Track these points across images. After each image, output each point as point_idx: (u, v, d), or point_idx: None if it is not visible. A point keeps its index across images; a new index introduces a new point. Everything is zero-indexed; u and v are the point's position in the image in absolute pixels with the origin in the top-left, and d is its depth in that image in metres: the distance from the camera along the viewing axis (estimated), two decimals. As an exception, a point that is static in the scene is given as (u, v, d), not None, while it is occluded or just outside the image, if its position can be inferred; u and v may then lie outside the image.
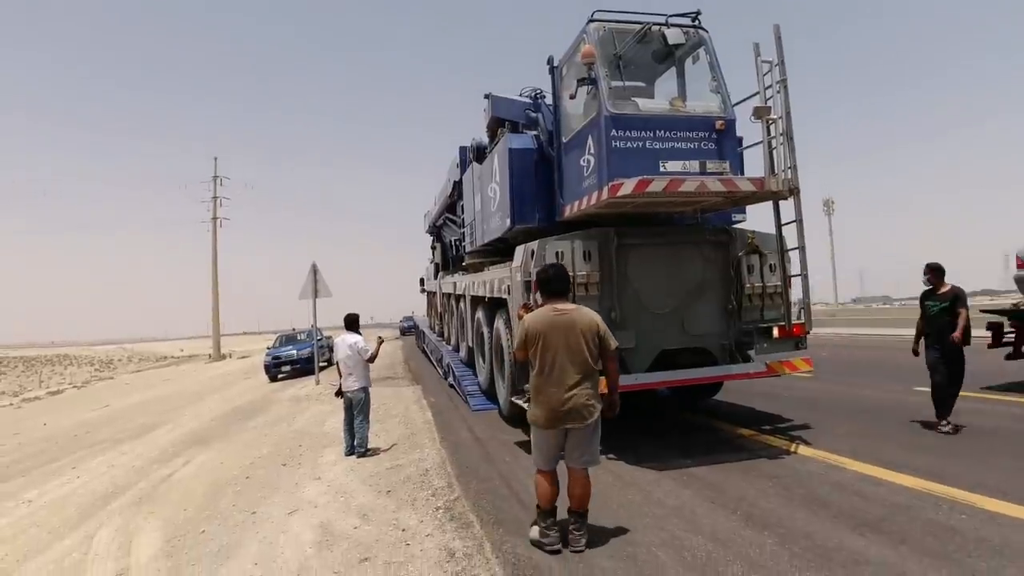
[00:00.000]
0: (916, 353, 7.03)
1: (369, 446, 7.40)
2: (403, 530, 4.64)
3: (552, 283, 4.18)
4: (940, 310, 6.62)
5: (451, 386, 12.13)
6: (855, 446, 6.03)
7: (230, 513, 5.68)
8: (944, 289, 6.67)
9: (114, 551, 5.21)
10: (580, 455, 4.01)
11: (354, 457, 7.19)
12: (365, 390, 7.45)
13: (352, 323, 7.80)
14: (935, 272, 6.73)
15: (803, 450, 6.11)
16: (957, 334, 6.34)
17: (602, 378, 4.13)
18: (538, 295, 6.03)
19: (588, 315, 4.05)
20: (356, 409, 7.37)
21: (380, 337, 8.50)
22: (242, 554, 4.59)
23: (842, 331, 22.30)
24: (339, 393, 7.56)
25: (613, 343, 4.08)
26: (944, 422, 6.48)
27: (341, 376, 7.48)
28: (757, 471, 5.47)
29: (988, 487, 4.59)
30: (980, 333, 8.19)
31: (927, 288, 6.80)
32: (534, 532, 4.08)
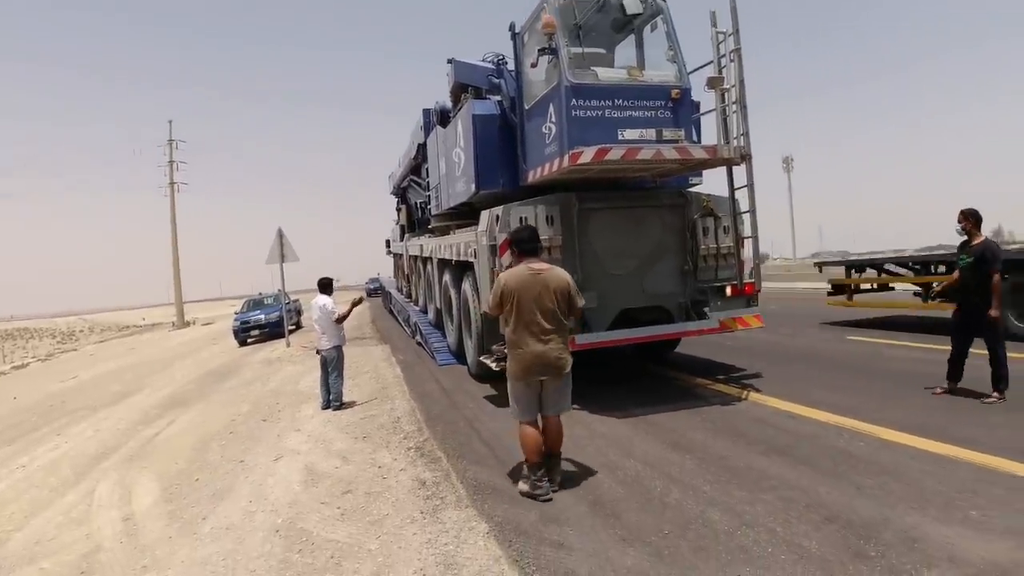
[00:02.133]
0: (929, 299, 6.98)
1: (344, 400, 7.88)
2: (379, 467, 5.22)
3: (525, 242, 4.38)
4: (967, 265, 5.78)
5: (419, 344, 12.54)
6: (784, 389, 6.62)
7: (219, 463, 6.08)
8: (976, 241, 5.77)
9: (116, 501, 5.53)
10: (554, 404, 4.32)
11: (330, 410, 7.64)
12: (338, 348, 7.90)
13: (325, 287, 8.22)
14: (968, 218, 5.82)
15: (731, 390, 6.81)
16: (994, 312, 5.46)
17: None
18: (504, 258, 6.36)
19: (560, 274, 4.30)
20: (330, 366, 7.81)
21: (360, 297, 8.83)
22: (236, 495, 5.02)
23: (798, 285, 23.10)
24: (318, 351, 8.02)
25: (580, 302, 4.43)
26: (945, 386, 5.98)
27: (318, 335, 7.99)
28: (690, 412, 6.07)
29: (890, 420, 5.18)
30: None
31: (962, 239, 5.91)
32: (523, 486, 4.24)
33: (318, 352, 8.05)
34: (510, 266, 5.58)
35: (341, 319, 7.90)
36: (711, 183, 8.04)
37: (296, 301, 24.19)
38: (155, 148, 40.91)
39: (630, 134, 6.14)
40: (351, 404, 7.86)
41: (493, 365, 6.85)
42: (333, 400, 7.73)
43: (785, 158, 56.85)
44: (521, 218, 6.34)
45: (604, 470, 4.62)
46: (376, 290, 34.86)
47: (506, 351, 4.39)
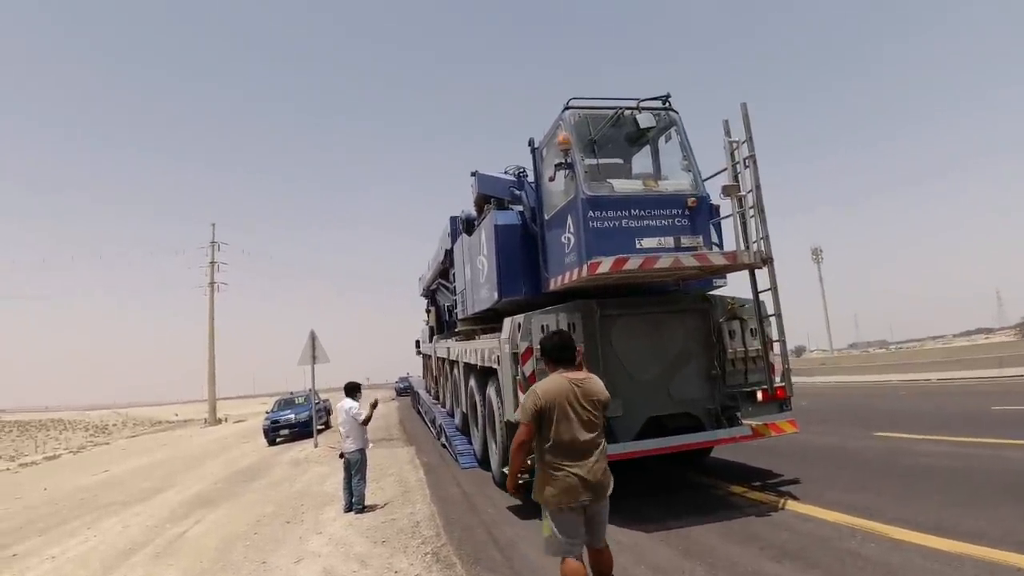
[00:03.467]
0: None
1: (366, 503, 8.02)
2: (396, 572, 5.35)
3: (558, 350, 3.94)
4: None
5: (443, 445, 12.59)
6: (801, 488, 6.65)
7: (242, 563, 6.28)
8: None
9: None
10: (603, 531, 3.80)
11: (352, 513, 7.77)
12: (362, 451, 8.12)
13: (351, 390, 8.54)
14: None
15: (756, 495, 6.66)
16: None
17: None
18: (527, 366, 6.33)
19: (600, 383, 3.89)
20: (354, 469, 8.01)
21: (375, 400, 8.85)
22: None
23: (829, 379, 22.56)
24: (341, 455, 8.21)
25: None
26: None
27: (344, 439, 8.16)
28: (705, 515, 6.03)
29: (904, 519, 5.20)
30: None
31: None
32: None
33: (341, 455, 8.22)
34: (533, 374, 5.62)
35: (366, 422, 8.15)
36: (736, 284, 8.02)
37: (326, 401, 24.32)
38: (196, 249, 42.56)
39: (648, 243, 6.22)
40: (373, 507, 7.99)
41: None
42: (356, 503, 7.87)
43: (814, 249, 55.82)
44: (543, 326, 6.37)
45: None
46: (406, 389, 34.86)
47: (536, 472, 3.78)
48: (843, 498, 6.11)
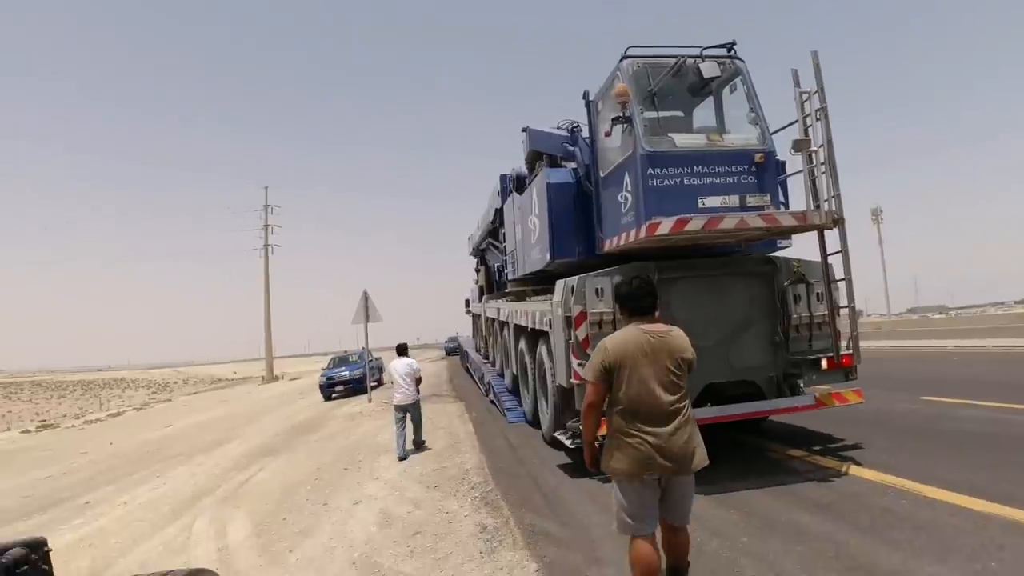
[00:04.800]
0: None
1: (419, 442, 9.13)
2: (447, 513, 5.74)
3: (637, 299, 3.40)
4: None
5: (492, 402, 12.83)
6: (845, 450, 6.58)
7: (304, 505, 6.76)
8: None
9: (212, 535, 6.19)
10: (686, 508, 3.33)
11: (406, 461, 8.39)
12: (418, 402, 9.14)
13: (403, 350, 9.61)
14: None
15: (796, 452, 6.73)
16: None
17: None
18: (580, 331, 6.14)
19: (684, 337, 3.34)
20: (413, 416, 9.01)
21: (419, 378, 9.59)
22: (319, 533, 5.64)
23: (883, 343, 21.90)
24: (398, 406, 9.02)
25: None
26: None
27: (395, 391, 9.05)
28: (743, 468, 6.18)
29: (939, 479, 5.19)
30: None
31: None
32: None
33: (397, 407, 8.95)
34: (587, 338, 5.37)
35: (420, 380, 9.21)
36: (801, 245, 7.61)
37: (378, 359, 24.84)
38: (252, 211, 43.53)
39: (711, 201, 5.89)
40: (427, 449, 8.99)
41: (568, 443, 6.57)
42: (415, 444, 9.03)
43: (874, 209, 52.75)
44: (597, 289, 6.15)
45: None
46: (454, 349, 35.18)
47: (606, 440, 3.36)
48: (881, 458, 6.10)
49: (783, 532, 4.43)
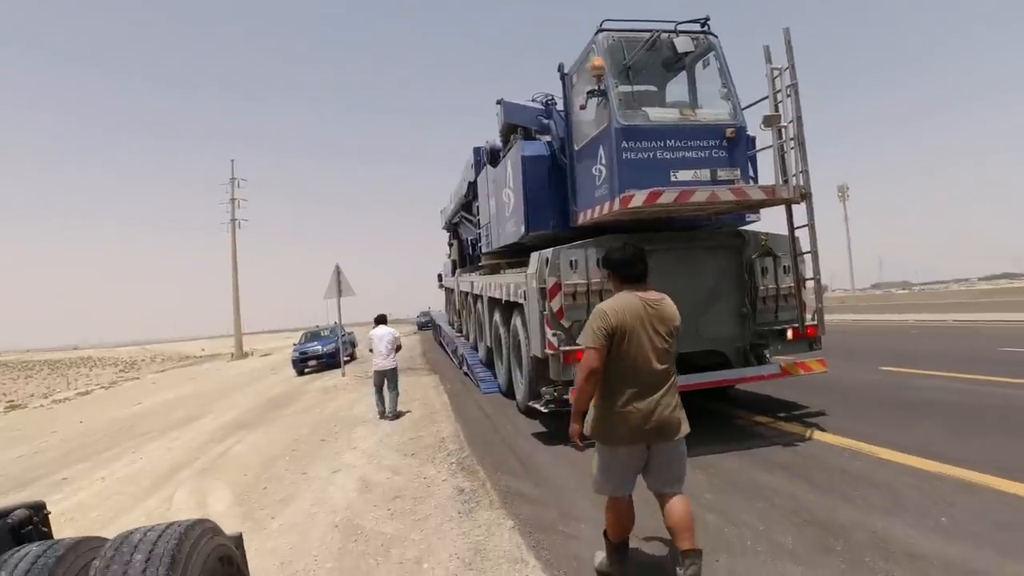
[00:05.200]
0: None
1: (399, 409, 9.64)
2: (425, 478, 5.93)
3: (630, 265, 3.32)
4: None
5: (465, 374, 13.08)
6: (807, 417, 6.96)
7: (284, 475, 6.84)
8: None
9: (193, 505, 6.19)
10: (673, 475, 3.27)
11: (387, 422, 9.00)
12: (396, 367, 9.75)
13: (383, 320, 10.27)
14: None
15: (760, 419, 7.04)
16: None
17: None
18: (554, 303, 6.25)
19: (674, 307, 3.33)
20: (390, 382, 9.61)
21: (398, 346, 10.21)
22: (299, 501, 5.75)
23: (847, 317, 22.68)
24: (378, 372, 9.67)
25: None
26: None
27: (376, 357, 9.69)
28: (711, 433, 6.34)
29: (894, 443, 5.53)
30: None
31: None
32: (601, 560, 3.53)
33: (377, 373, 9.64)
34: (560, 309, 5.48)
35: (400, 347, 9.92)
36: (770, 219, 7.81)
37: (351, 333, 24.75)
38: (218, 186, 42.63)
39: (683, 175, 6.02)
40: (406, 413, 9.61)
41: (543, 409, 6.72)
42: (390, 410, 9.46)
43: (840, 187, 53.85)
44: (572, 261, 6.26)
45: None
46: (427, 323, 35.17)
47: (594, 410, 3.29)
48: (840, 423, 6.46)
49: (745, 490, 4.69)
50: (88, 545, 1.82)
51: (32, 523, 2.09)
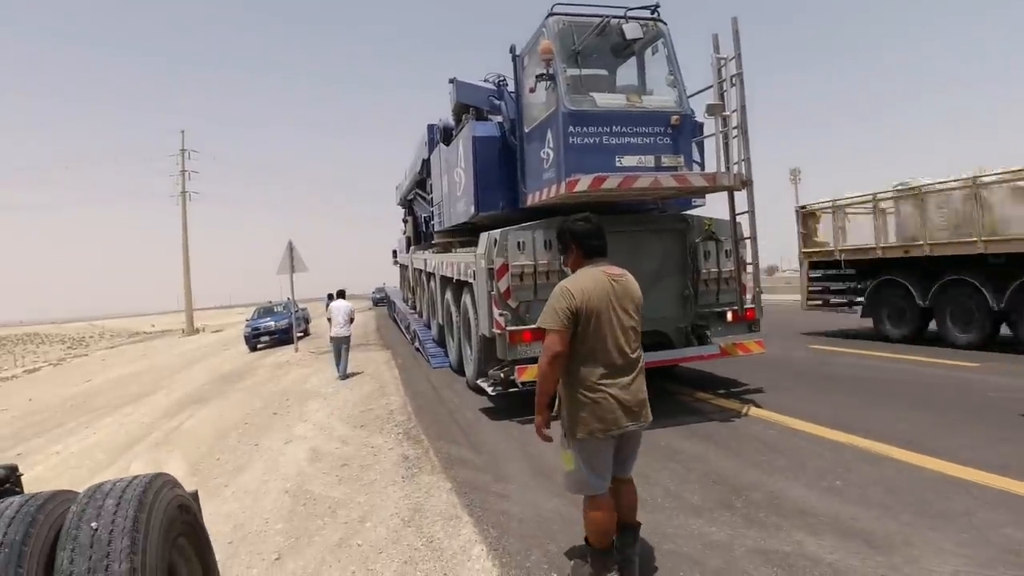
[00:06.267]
0: None
1: (349, 372, 11.05)
2: (372, 447, 6.16)
3: (595, 236, 3.05)
4: None
5: (417, 350, 13.22)
6: (732, 391, 7.31)
7: (236, 446, 7.06)
8: None
9: None
10: (632, 460, 3.15)
11: (339, 394, 9.36)
12: (350, 336, 11.41)
13: (342, 294, 11.96)
14: None
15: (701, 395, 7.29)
16: None
17: None
18: (501, 283, 6.31)
19: (635, 283, 3.08)
20: (345, 347, 11.14)
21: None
22: (252, 469, 5.99)
23: (789, 297, 23.59)
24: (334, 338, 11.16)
25: None
26: None
27: (333, 326, 11.19)
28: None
29: (808, 414, 5.93)
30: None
31: None
32: (587, 574, 3.04)
33: (333, 339, 11.15)
34: (508, 290, 5.67)
35: (354, 319, 11.54)
36: (714, 206, 7.99)
37: (304, 309, 24.43)
38: (167, 158, 41.21)
39: (628, 161, 6.13)
40: (358, 373, 11.01)
41: (490, 390, 6.82)
42: (343, 371, 10.89)
43: (792, 170, 55.66)
44: (519, 242, 6.34)
45: (549, 449, 5.02)
46: (381, 300, 34.91)
47: (562, 392, 2.97)
48: (765, 398, 6.83)
49: (661, 454, 5.03)
50: (63, 496, 2.06)
51: (9, 482, 2.36)
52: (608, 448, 2.92)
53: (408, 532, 3.98)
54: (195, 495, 2.67)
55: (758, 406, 6.43)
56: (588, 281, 2.89)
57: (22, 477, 2.51)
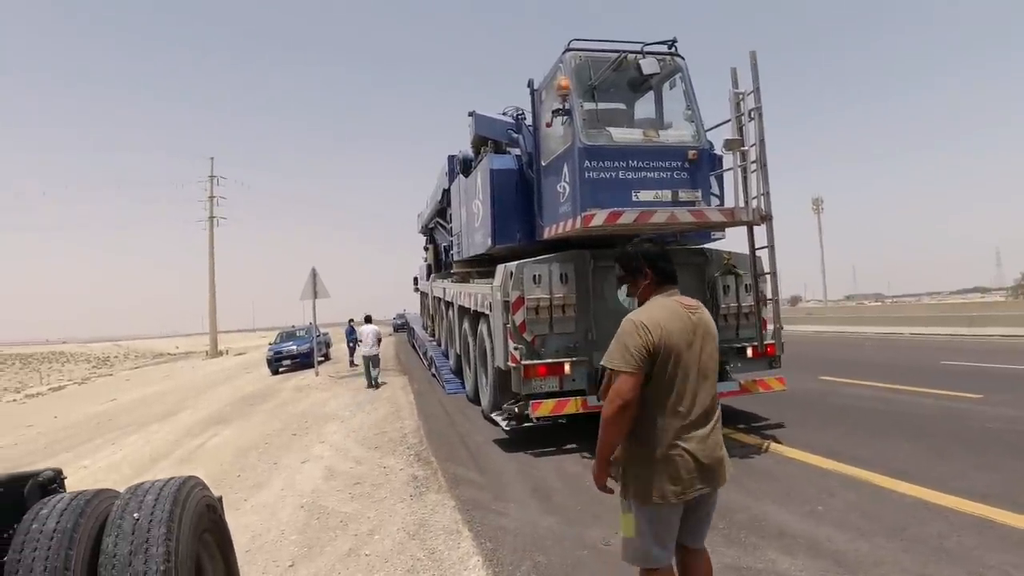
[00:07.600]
0: None
1: (379, 381, 13.40)
2: (384, 468, 6.48)
3: (668, 260, 2.55)
4: None
5: (433, 375, 13.62)
6: (731, 416, 7.32)
7: (256, 464, 7.39)
8: None
9: None
10: (707, 527, 2.60)
11: (355, 418, 9.73)
12: (378, 354, 13.63)
13: (369, 319, 14.65)
14: None
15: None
16: None
17: None
18: (517, 316, 6.27)
19: (710, 317, 2.60)
20: (374, 364, 13.39)
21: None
22: (271, 486, 6.31)
23: (809, 328, 23.24)
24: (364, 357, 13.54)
25: None
26: None
27: (364, 346, 13.53)
28: None
29: (802, 443, 6.04)
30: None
31: None
32: None
33: (365, 357, 13.43)
34: (523, 323, 5.91)
35: (381, 339, 13.90)
36: (734, 238, 7.94)
37: (326, 334, 24.67)
38: (195, 183, 42.26)
39: (644, 195, 6.12)
40: (385, 384, 13.27)
41: (504, 424, 6.77)
42: (375, 380, 13.23)
43: (815, 199, 55.79)
44: (535, 276, 6.32)
45: (552, 472, 5.77)
46: (402, 326, 35.09)
47: (627, 447, 2.45)
48: (763, 427, 6.98)
49: None
50: (106, 493, 2.39)
51: (57, 482, 2.68)
52: (678, 514, 2.42)
53: (412, 544, 4.32)
54: (220, 500, 2.99)
55: (756, 435, 6.57)
56: (664, 314, 2.40)
57: (65, 480, 2.82)
